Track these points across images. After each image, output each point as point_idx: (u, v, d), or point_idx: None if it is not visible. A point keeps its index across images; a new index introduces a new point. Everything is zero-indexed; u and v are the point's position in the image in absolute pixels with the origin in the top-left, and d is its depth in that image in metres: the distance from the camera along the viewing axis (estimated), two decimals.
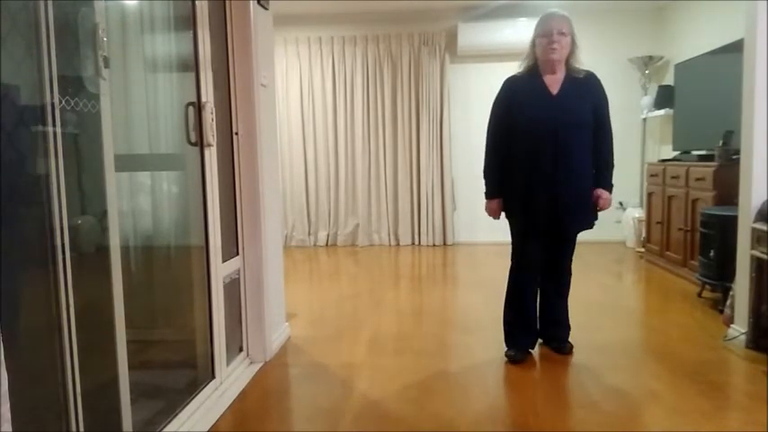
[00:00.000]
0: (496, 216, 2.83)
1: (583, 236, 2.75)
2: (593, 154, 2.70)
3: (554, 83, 2.64)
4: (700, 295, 3.73)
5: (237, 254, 2.71)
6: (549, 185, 2.61)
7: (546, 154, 2.60)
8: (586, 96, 2.65)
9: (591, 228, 2.74)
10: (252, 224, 2.74)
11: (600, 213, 2.74)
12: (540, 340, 2.91)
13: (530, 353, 2.81)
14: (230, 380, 2.52)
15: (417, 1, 5.60)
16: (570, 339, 2.85)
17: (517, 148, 2.68)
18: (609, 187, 2.72)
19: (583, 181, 2.66)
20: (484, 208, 2.82)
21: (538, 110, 2.62)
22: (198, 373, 2.35)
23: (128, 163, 1.95)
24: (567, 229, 2.71)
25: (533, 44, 2.68)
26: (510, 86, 2.74)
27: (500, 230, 3.13)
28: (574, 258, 2.85)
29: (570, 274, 2.86)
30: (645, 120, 5.78)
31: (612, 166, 2.74)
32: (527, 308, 2.80)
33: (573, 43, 2.63)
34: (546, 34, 2.60)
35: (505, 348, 2.80)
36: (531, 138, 2.63)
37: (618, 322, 3.30)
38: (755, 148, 2.78)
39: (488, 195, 2.80)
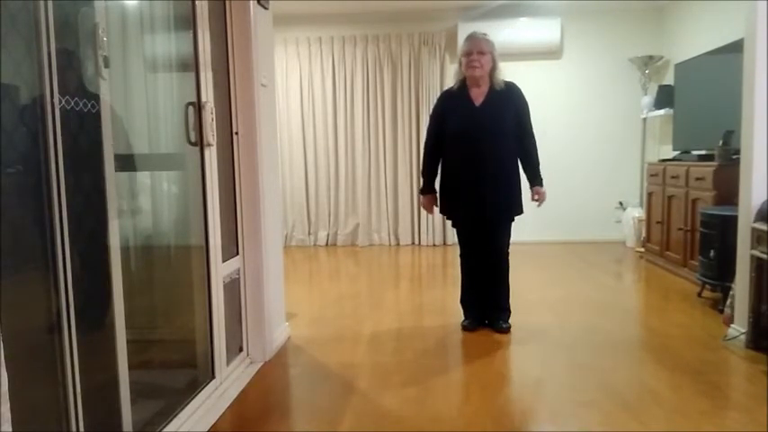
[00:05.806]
0: (430, 211, 3.32)
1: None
2: (521, 158, 3.06)
3: (479, 95, 3.02)
4: (700, 295, 3.74)
5: (237, 254, 2.71)
6: (475, 186, 2.99)
7: (471, 158, 2.97)
8: (508, 105, 3.01)
9: (513, 219, 3.10)
10: (252, 224, 2.74)
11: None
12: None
13: (484, 324, 3.22)
14: (230, 380, 2.52)
15: (417, 1, 5.60)
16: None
17: (448, 153, 3.09)
18: (540, 182, 3.09)
19: (506, 180, 3.01)
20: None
21: (463, 119, 3.00)
22: (198, 373, 2.35)
23: (128, 163, 1.95)
24: (492, 221, 3.05)
25: (459, 63, 3.04)
26: (443, 98, 3.18)
27: None
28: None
29: (507, 261, 3.16)
30: (645, 120, 5.78)
31: (539, 164, 3.09)
32: (475, 287, 3.20)
33: (493, 60, 2.99)
34: (468, 54, 2.97)
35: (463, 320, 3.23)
36: (459, 143, 3.01)
37: (617, 322, 3.30)
38: (755, 148, 2.78)
39: (422, 191, 3.28)
